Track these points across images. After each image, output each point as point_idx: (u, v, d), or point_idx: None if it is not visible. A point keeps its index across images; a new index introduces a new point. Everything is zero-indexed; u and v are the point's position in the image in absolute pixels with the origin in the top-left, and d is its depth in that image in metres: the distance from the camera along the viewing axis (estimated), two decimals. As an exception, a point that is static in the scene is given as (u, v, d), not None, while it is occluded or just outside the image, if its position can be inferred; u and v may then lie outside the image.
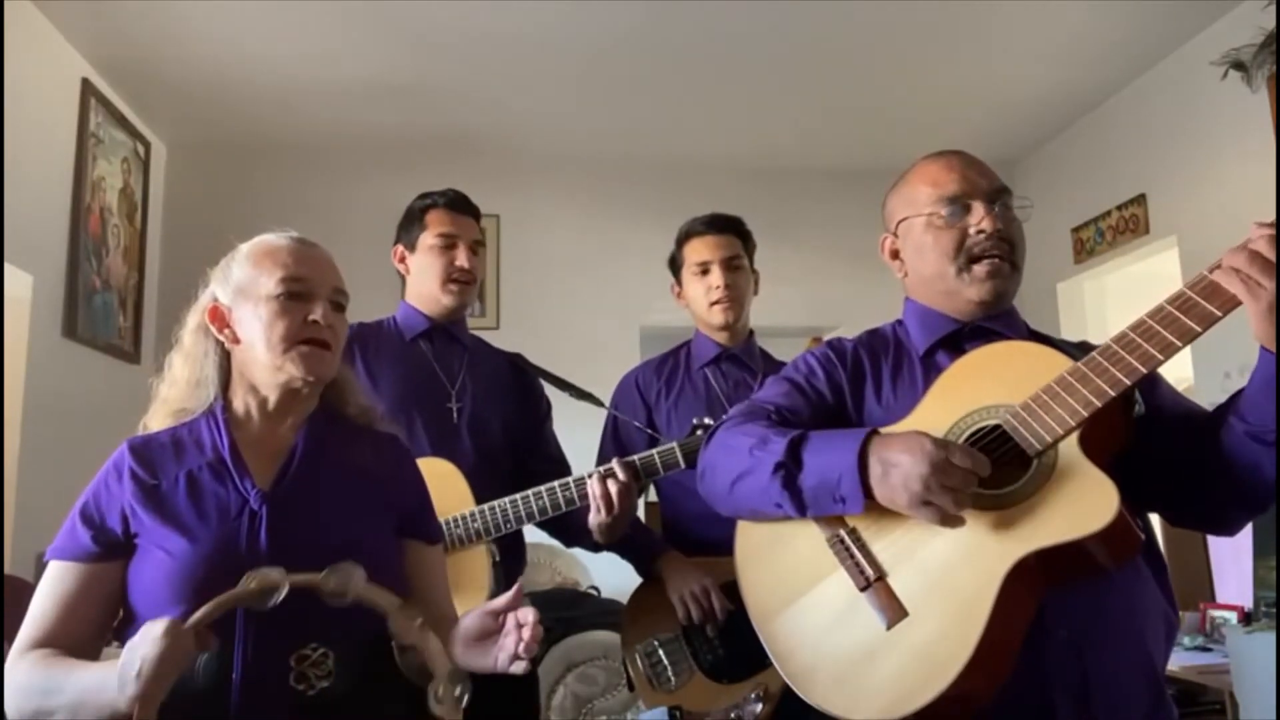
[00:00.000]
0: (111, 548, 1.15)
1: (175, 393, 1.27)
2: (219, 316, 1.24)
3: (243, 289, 1.23)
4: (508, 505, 1.75)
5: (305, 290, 1.23)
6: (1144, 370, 1.04)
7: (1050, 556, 1.03)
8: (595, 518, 1.73)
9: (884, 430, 1.15)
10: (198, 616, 0.98)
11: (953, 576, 1.07)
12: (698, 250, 2.04)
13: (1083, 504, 1.02)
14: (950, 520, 1.05)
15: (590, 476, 1.73)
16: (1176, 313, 1.03)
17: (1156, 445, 1.16)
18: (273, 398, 1.24)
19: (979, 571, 1.04)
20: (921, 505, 1.05)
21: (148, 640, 0.96)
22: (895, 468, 1.07)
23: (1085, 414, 1.05)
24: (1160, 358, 1.03)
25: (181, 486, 1.18)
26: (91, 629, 1.14)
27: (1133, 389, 1.07)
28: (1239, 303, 0.99)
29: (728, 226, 2.07)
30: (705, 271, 2.02)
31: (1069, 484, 1.05)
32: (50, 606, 1.13)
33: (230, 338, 1.24)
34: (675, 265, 2.12)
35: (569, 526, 1.88)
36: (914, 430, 1.11)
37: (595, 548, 1.90)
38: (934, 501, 1.04)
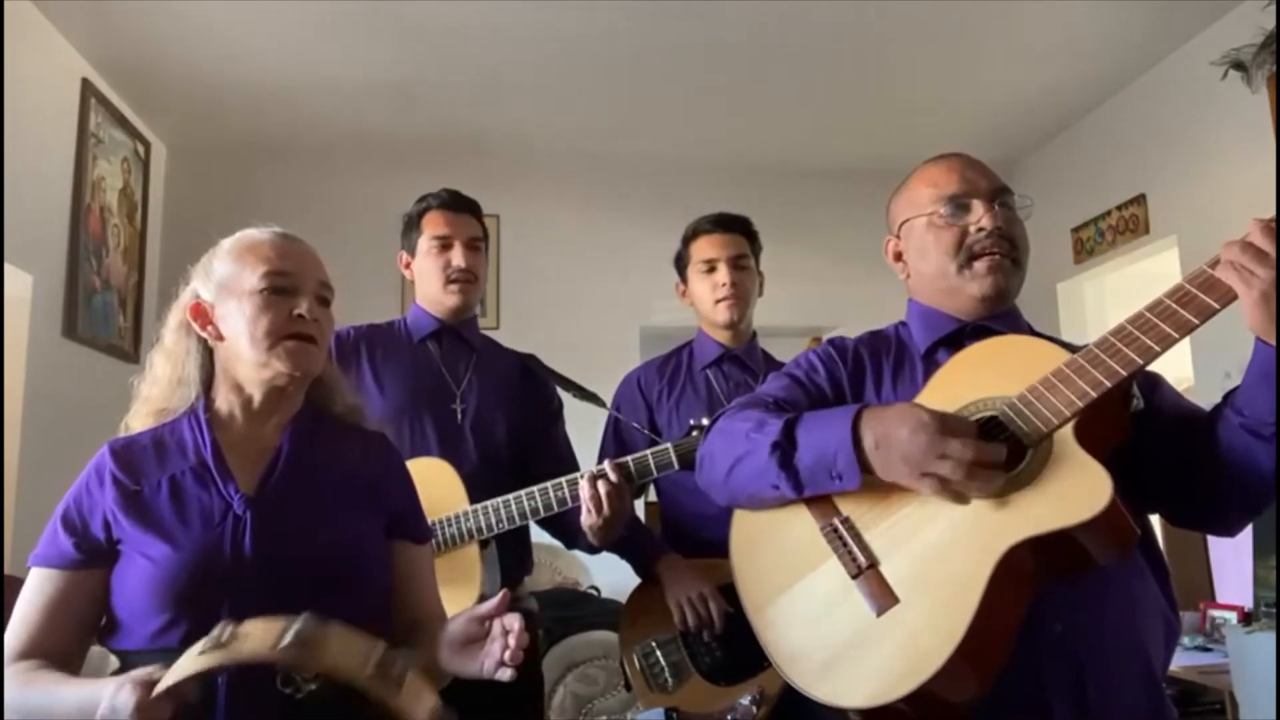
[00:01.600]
0: (94, 554, 1.14)
1: (157, 392, 1.25)
2: (201, 313, 1.22)
3: (225, 285, 1.21)
4: (500, 505, 1.75)
5: (289, 284, 1.21)
6: (1140, 362, 1.04)
7: (1042, 545, 1.03)
8: (587, 519, 1.72)
9: (876, 405, 1.15)
10: (165, 686, 0.93)
11: (943, 564, 1.07)
12: (704, 248, 2.05)
13: (1075, 492, 1.02)
14: (949, 489, 1.05)
15: (582, 478, 1.73)
16: (1175, 306, 1.03)
17: (1155, 445, 1.16)
18: (257, 395, 1.22)
19: (969, 559, 1.04)
20: (922, 477, 1.06)
21: (121, 710, 0.92)
22: (892, 440, 1.07)
23: (1081, 404, 1.05)
24: (1157, 350, 1.03)
25: (164, 491, 1.16)
26: (76, 635, 1.14)
27: (1130, 381, 1.07)
28: (1234, 298, 0.99)
29: (735, 226, 2.08)
30: (711, 269, 2.03)
31: (1062, 473, 1.05)
32: (34, 614, 1.12)
33: (213, 335, 1.22)
34: (681, 263, 2.12)
35: (568, 527, 1.88)
36: (905, 403, 1.12)
37: (594, 549, 1.90)
38: (934, 471, 1.04)
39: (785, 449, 1.17)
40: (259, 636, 0.93)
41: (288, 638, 0.92)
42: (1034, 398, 1.10)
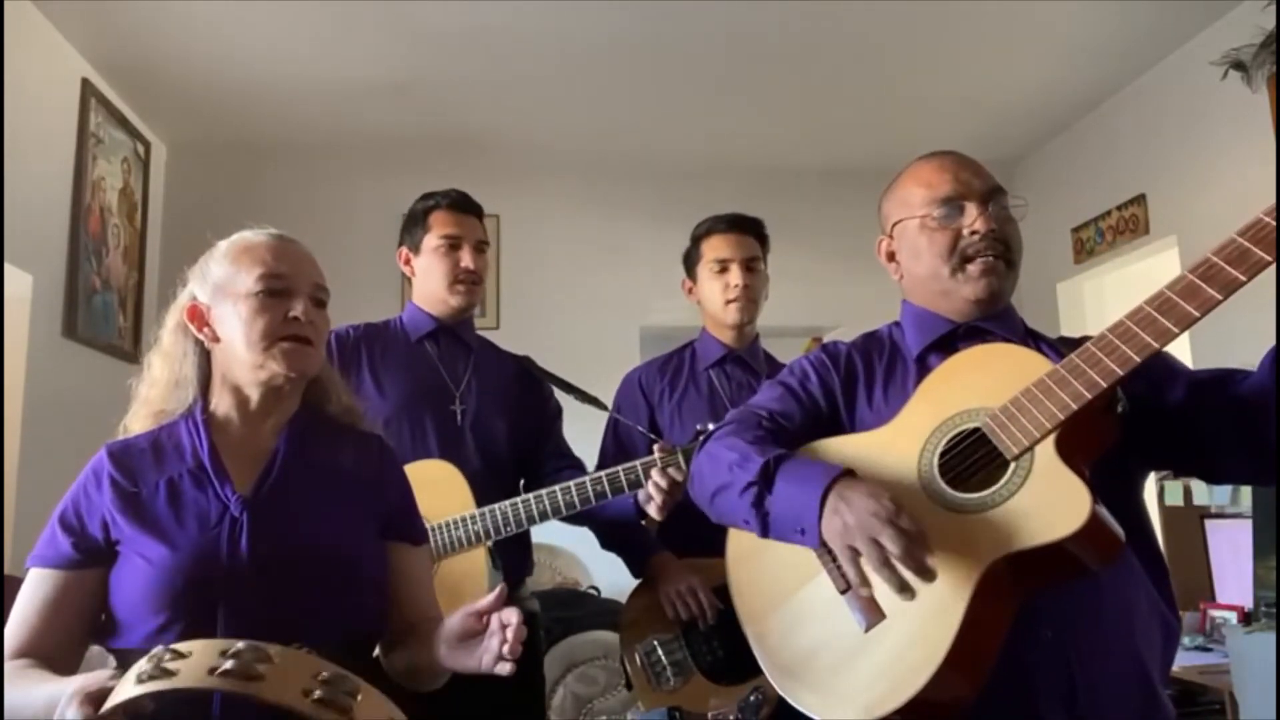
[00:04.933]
0: (92, 554, 1.15)
1: (155, 393, 1.26)
2: (198, 315, 1.23)
3: (221, 287, 1.22)
4: (522, 503, 1.74)
5: (285, 287, 1.21)
6: (1120, 373, 1.03)
7: (1025, 560, 1.03)
8: (656, 506, 1.71)
9: (857, 476, 1.14)
10: (107, 709, 0.89)
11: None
12: (718, 248, 2.05)
13: (1055, 508, 1.02)
14: (854, 569, 1.06)
15: (649, 469, 1.71)
16: (1155, 314, 1.02)
17: (1194, 412, 1.14)
18: (254, 397, 1.23)
19: (953, 576, 1.04)
20: (845, 546, 1.06)
21: None
22: (847, 502, 1.07)
23: (1061, 417, 1.05)
24: (1137, 359, 1.02)
25: (161, 494, 1.17)
26: (73, 635, 1.14)
27: (1111, 390, 1.07)
28: (1217, 302, 0.98)
29: (749, 227, 2.09)
30: (724, 270, 2.04)
31: (1044, 488, 1.05)
32: (31, 614, 1.13)
33: (210, 336, 1.23)
34: (690, 260, 2.12)
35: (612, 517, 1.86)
36: (879, 486, 1.10)
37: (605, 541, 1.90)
38: (855, 546, 1.04)
39: (760, 490, 1.18)
40: (196, 661, 0.88)
41: (225, 664, 0.87)
42: (1016, 410, 1.09)
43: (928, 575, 1.01)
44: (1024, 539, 1.03)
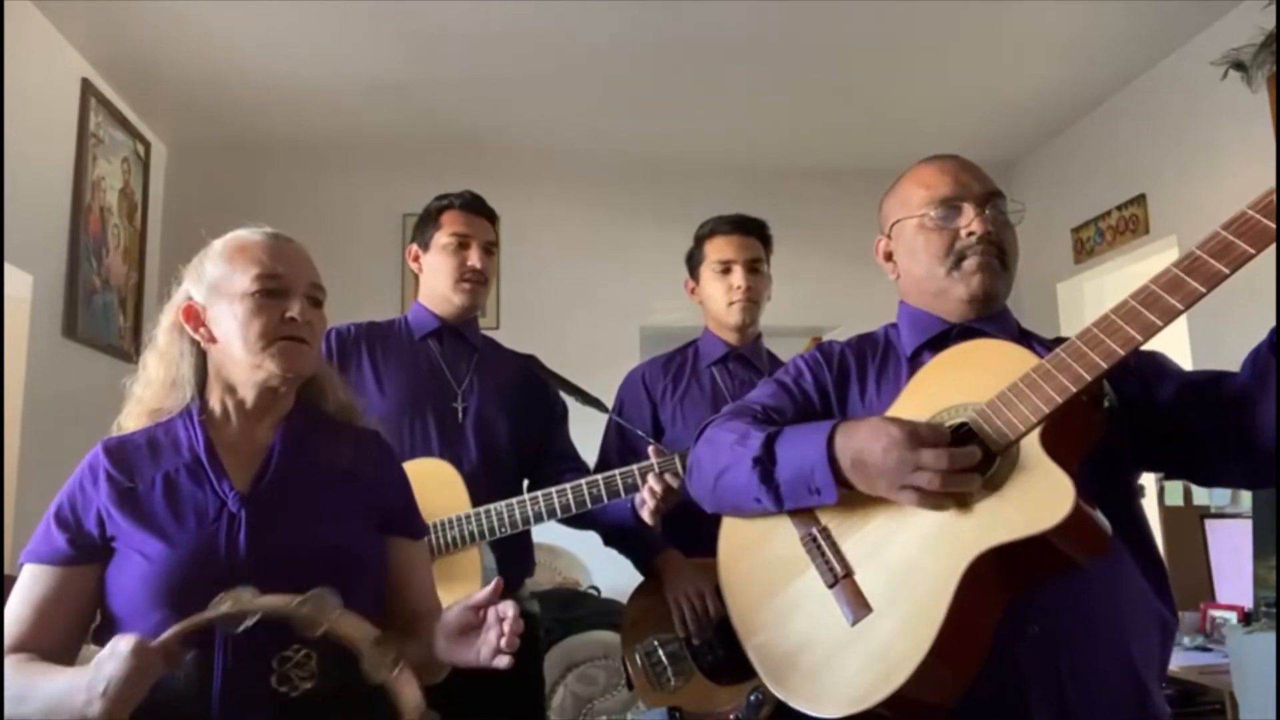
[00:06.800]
0: (88, 551, 1.14)
1: (150, 393, 1.25)
2: (194, 315, 1.23)
3: (217, 286, 1.21)
4: (518, 505, 1.74)
5: (281, 287, 1.21)
6: (1105, 366, 1.03)
7: (1010, 553, 1.03)
8: (648, 509, 1.71)
9: (850, 420, 1.16)
10: (165, 637, 0.98)
11: (914, 573, 1.08)
12: (721, 249, 2.06)
13: (1038, 500, 1.02)
14: (930, 499, 1.06)
15: (646, 473, 1.71)
16: (1139, 308, 1.03)
17: (1183, 413, 1.15)
18: (250, 397, 1.22)
19: (937, 568, 1.05)
20: (900, 490, 1.07)
21: (114, 659, 0.95)
22: (867, 458, 1.08)
23: (1046, 410, 1.05)
24: (1121, 353, 1.02)
25: (158, 489, 1.16)
26: (68, 632, 1.14)
27: (1097, 384, 1.07)
28: (1202, 295, 0.98)
29: (752, 229, 2.10)
30: (727, 270, 2.05)
31: (1027, 481, 1.05)
32: (26, 611, 1.12)
33: (206, 336, 1.22)
34: (694, 261, 2.13)
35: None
36: (878, 417, 1.12)
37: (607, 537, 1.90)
38: (911, 484, 1.05)
39: (765, 464, 1.18)
40: (273, 598, 1.01)
41: (300, 598, 1.01)
42: (1001, 404, 1.10)
43: (980, 456, 1.06)
44: (1007, 532, 1.02)
